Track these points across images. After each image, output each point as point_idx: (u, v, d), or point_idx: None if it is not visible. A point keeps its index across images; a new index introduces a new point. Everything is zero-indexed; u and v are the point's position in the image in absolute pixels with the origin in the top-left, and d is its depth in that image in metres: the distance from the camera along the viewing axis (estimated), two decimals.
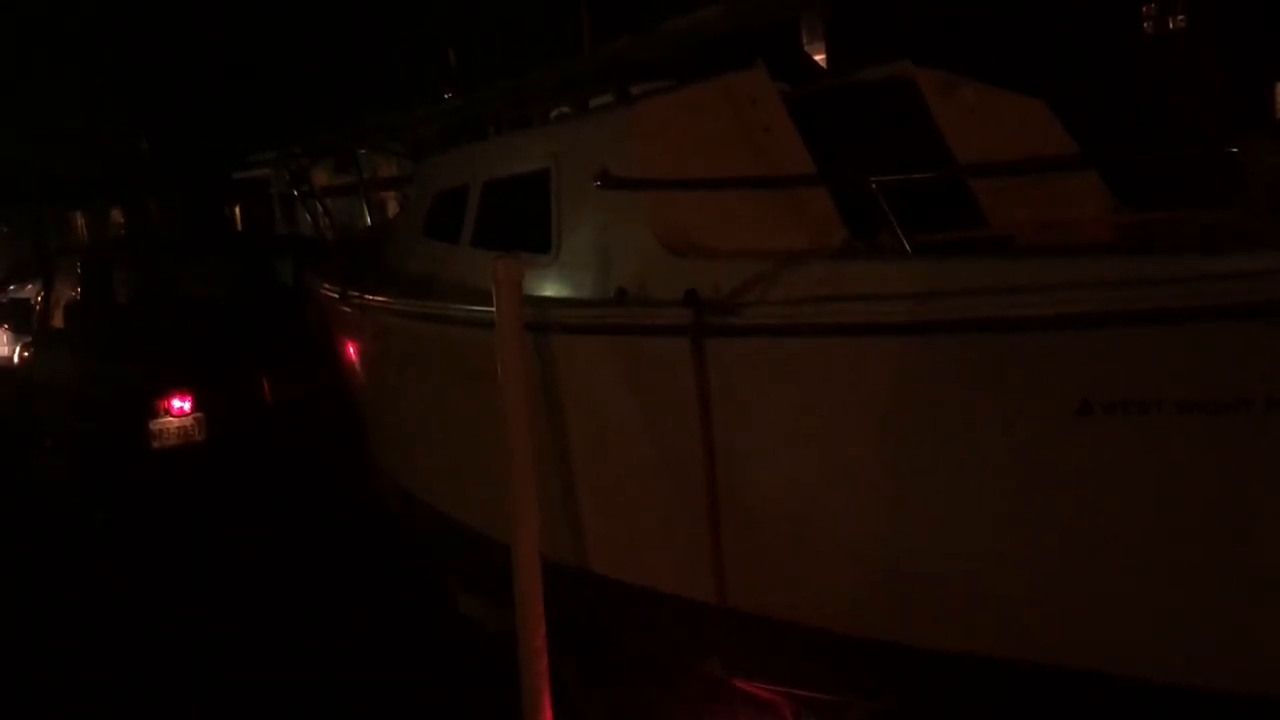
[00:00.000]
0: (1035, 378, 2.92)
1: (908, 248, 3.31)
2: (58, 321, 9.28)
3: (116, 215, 18.77)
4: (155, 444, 7.78)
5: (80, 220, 19.03)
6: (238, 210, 18.31)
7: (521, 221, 4.81)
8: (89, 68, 20.54)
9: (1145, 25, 6.94)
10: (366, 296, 5.71)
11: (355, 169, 8.05)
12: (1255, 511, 2.71)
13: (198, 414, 7.91)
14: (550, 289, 4.49)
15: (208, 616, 6.12)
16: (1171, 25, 6.72)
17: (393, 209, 10.33)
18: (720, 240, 3.99)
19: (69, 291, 9.29)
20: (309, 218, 8.43)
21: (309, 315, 7.81)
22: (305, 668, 5.46)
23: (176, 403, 7.86)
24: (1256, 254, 2.57)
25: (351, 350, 6.58)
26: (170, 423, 7.85)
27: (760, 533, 3.72)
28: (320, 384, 7.96)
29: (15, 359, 10.21)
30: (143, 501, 7.79)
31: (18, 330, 10.05)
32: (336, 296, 6.12)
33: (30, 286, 12.33)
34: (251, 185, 17.03)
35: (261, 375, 8.18)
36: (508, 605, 4.63)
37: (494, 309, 4.01)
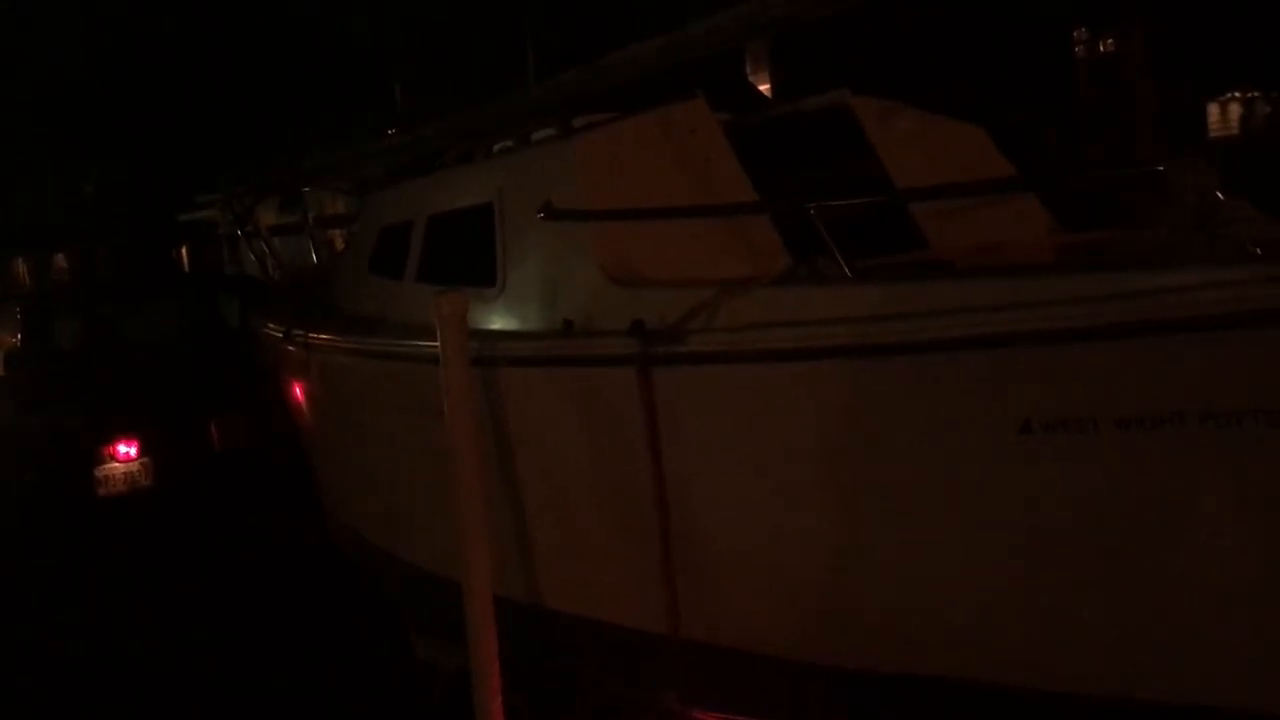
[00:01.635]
0: (977, 399, 2.94)
1: (848, 273, 3.33)
2: None
3: (60, 260, 18.50)
4: (101, 490, 7.66)
5: (21, 266, 18.74)
6: (184, 252, 18.11)
7: (466, 255, 4.80)
8: (33, 113, 20.29)
9: (1076, 50, 7.09)
10: (310, 335, 5.66)
11: (300, 208, 8.00)
12: (1194, 524, 2.74)
13: (144, 459, 7.80)
14: (496, 322, 4.47)
15: (159, 662, 5.99)
16: (1102, 49, 6.86)
17: (340, 247, 10.27)
18: (664, 270, 4.00)
19: (9, 338, 9.13)
20: (254, 258, 8.34)
21: (255, 356, 7.72)
22: (261, 713, 5.35)
23: (122, 448, 7.75)
24: (1182, 269, 2.62)
25: (297, 391, 6.51)
26: (116, 468, 7.74)
27: (712, 562, 3.71)
28: (269, 426, 7.87)
29: None
30: (90, 549, 7.63)
31: None
32: (280, 336, 6.06)
33: None
34: (198, 226, 16.87)
35: (209, 418, 8.08)
36: (462, 644, 4.59)
37: (439, 344, 3.98)
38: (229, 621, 6.50)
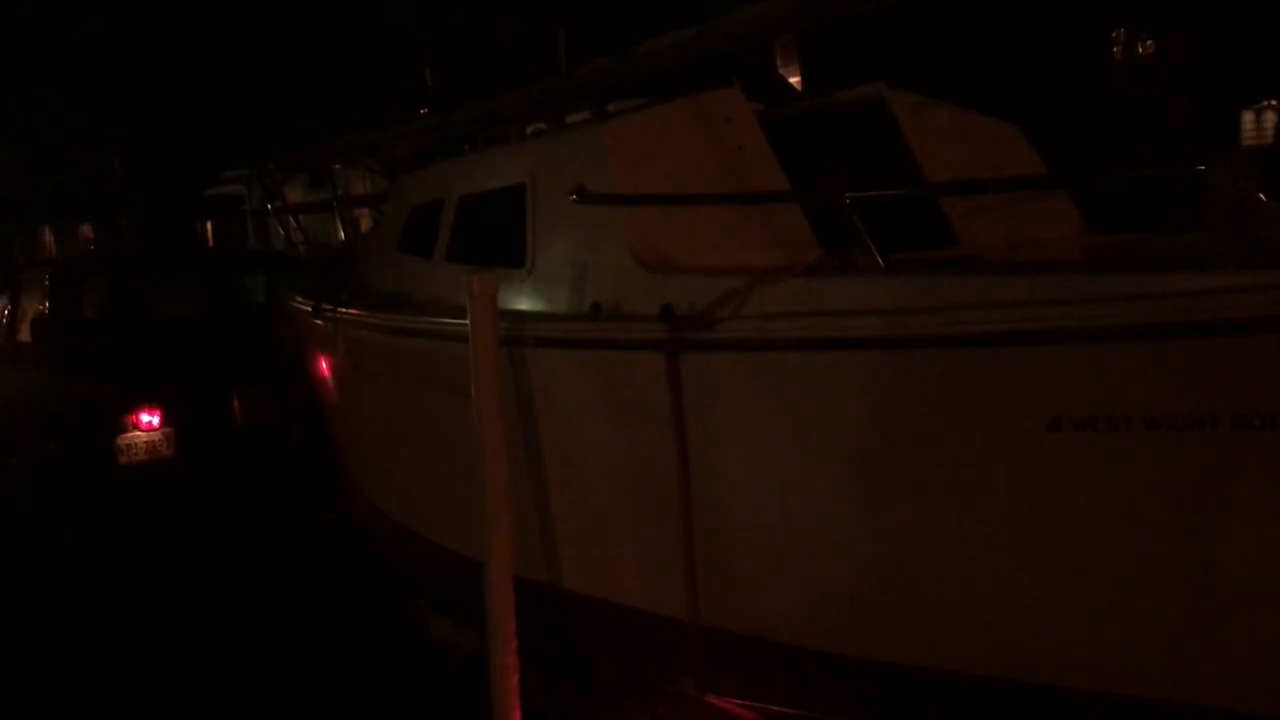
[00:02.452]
0: (1008, 394, 2.93)
1: (882, 264, 3.33)
2: (24, 336, 9.18)
3: (86, 231, 18.60)
4: (123, 459, 7.71)
5: (48, 236, 18.86)
6: (210, 226, 18.15)
7: (496, 236, 4.81)
8: (59, 84, 20.39)
9: (1115, 51, 7.05)
10: (339, 310, 5.69)
11: (330, 185, 8.03)
12: (1223, 527, 2.73)
13: (167, 429, 7.85)
14: (524, 303, 4.48)
15: (177, 638, 6.03)
16: (1141, 50, 6.82)
17: (366, 226, 10.31)
18: (694, 257, 4.00)
19: (36, 306, 9.20)
20: (282, 233, 8.38)
21: (281, 332, 7.76)
22: (275, 690, 5.39)
23: (145, 417, 7.79)
24: (1219, 272, 2.61)
25: (324, 366, 6.54)
26: (139, 438, 7.79)
27: (734, 549, 3.72)
28: (292, 401, 7.92)
29: None
30: (110, 518, 7.69)
31: None
32: (309, 310, 6.09)
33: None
34: (224, 201, 16.91)
35: (232, 391, 8.13)
36: (480, 626, 4.60)
37: (468, 323, 4.00)
38: (247, 596, 6.54)
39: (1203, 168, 2.89)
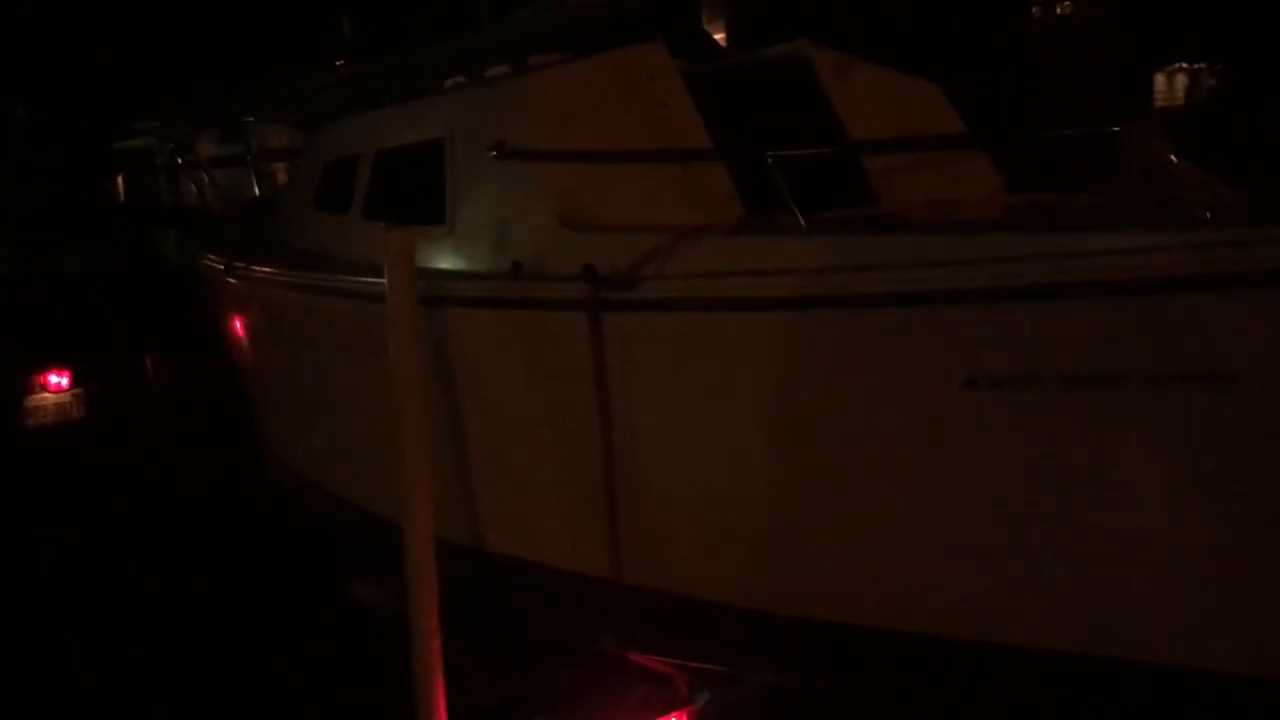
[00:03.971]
0: (924, 352, 2.96)
1: (803, 224, 3.32)
2: None
3: None
4: (30, 421, 7.51)
5: None
6: (120, 181, 17.57)
7: (414, 192, 4.72)
8: None
9: (1034, 11, 7.12)
10: (252, 268, 5.54)
11: (244, 140, 7.79)
12: (1133, 484, 2.79)
13: (76, 390, 7.64)
14: (443, 261, 4.40)
15: (85, 606, 5.90)
16: (1059, 11, 6.90)
17: (283, 181, 10.04)
18: (617, 215, 3.96)
19: None
20: (195, 189, 8.14)
21: (195, 291, 7.57)
22: (193, 654, 5.31)
23: (54, 378, 7.59)
24: (1130, 232, 2.65)
25: (238, 326, 6.38)
26: (47, 399, 7.60)
27: (657, 507, 3.72)
28: (208, 362, 7.73)
29: None
30: (16, 479, 7.47)
31: None
32: (221, 269, 5.92)
33: None
34: (135, 155, 16.36)
35: (145, 352, 7.93)
36: (400, 587, 4.56)
37: (385, 281, 3.92)
38: (160, 560, 6.41)
39: (1117, 129, 2.93)
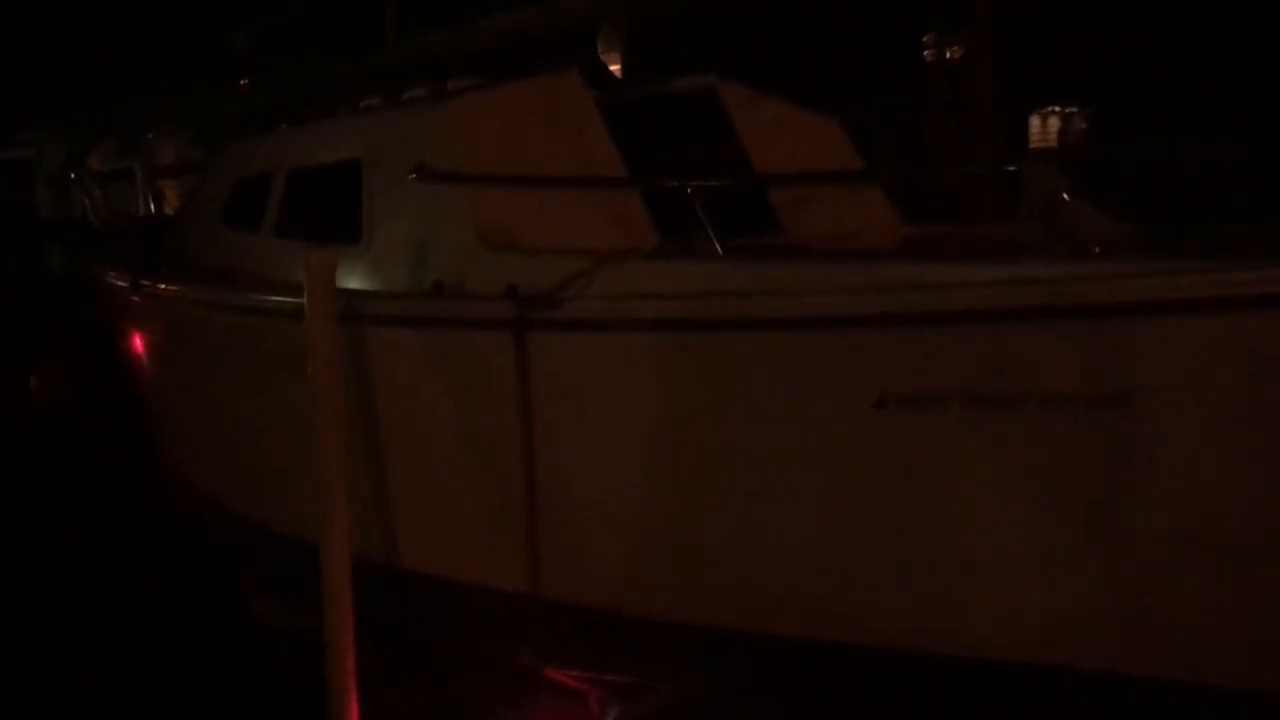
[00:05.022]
0: (838, 373, 3.13)
1: (720, 250, 3.48)
2: None
3: None
4: None
5: None
6: None
7: (329, 211, 4.74)
8: None
9: (925, 54, 7.50)
10: (160, 285, 5.46)
11: (140, 153, 7.66)
12: (1031, 498, 3.00)
13: None
14: (359, 281, 4.43)
15: None
16: (949, 55, 7.29)
17: (169, 197, 9.85)
18: (536, 237, 4.06)
19: None
20: (87, 201, 7.94)
21: (88, 306, 7.37)
22: (88, 684, 5.15)
23: None
24: (1031, 263, 2.87)
25: (140, 343, 6.25)
26: None
27: (576, 523, 3.81)
28: (97, 379, 7.54)
29: None
30: None
31: None
32: (126, 285, 5.81)
33: None
34: (11, 165, 15.80)
35: (28, 370, 7.68)
36: (305, 604, 4.53)
37: (303, 299, 3.94)
38: (51, 584, 6.21)
39: (1014, 168, 3.16)
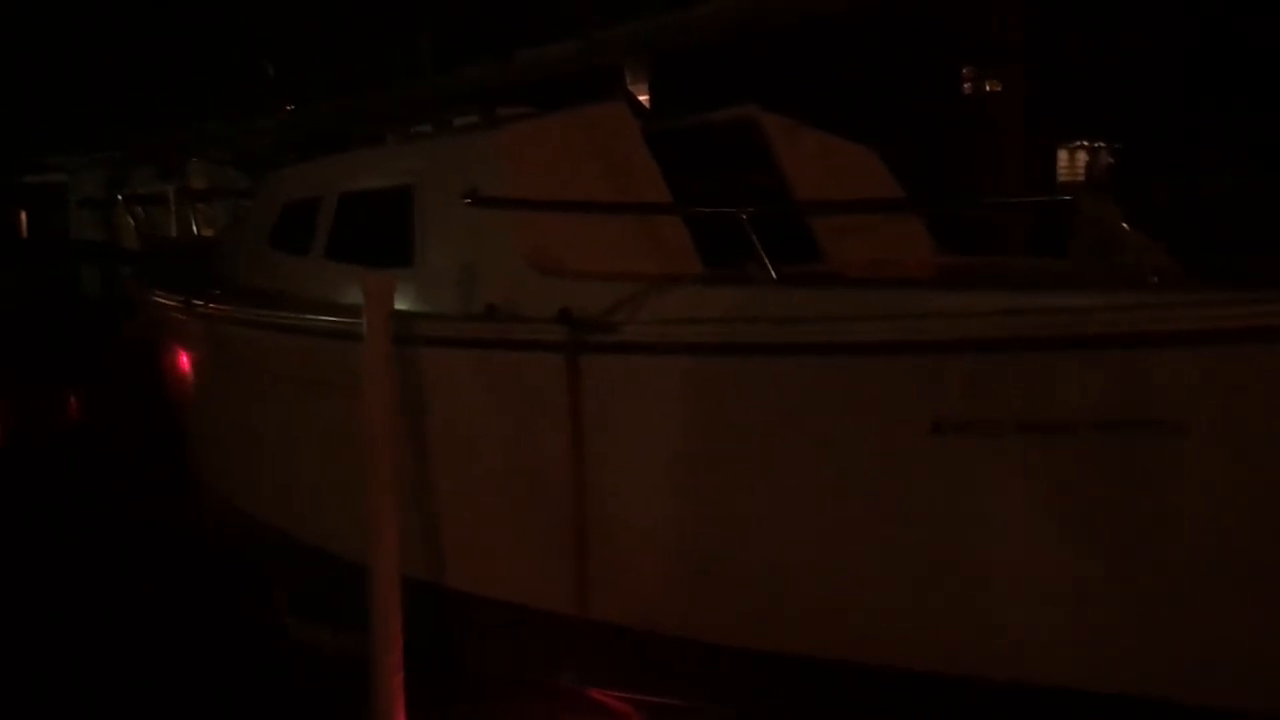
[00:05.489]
0: (895, 399, 3.17)
1: (773, 275, 3.54)
2: None
3: None
4: None
5: None
6: (24, 216, 17.12)
7: (381, 235, 4.82)
8: None
9: (964, 87, 7.59)
10: (213, 306, 5.54)
11: (181, 177, 7.79)
12: (1087, 525, 3.03)
13: None
14: (410, 303, 4.50)
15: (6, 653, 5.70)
16: (988, 88, 7.38)
17: (201, 220, 9.98)
18: (583, 263, 4.13)
19: None
20: (131, 223, 8.07)
21: (127, 326, 7.47)
22: (127, 701, 5.17)
23: None
24: (1084, 292, 2.92)
25: (185, 361, 6.33)
26: None
27: (625, 544, 3.84)
28: (131, 397, 7.63)
29: None
30: None
31: None
32: (176, 306, 5.89)
33: None
34: (44, 190, 16.02)
35: (67, 388, 7.78)
36: (349, 625, 4.56)
37: (357, 321, 4.00)
38: (88, 599, 6.24)
39: (1069, 198, 3.22)
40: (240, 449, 5.85)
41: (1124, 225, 2.99)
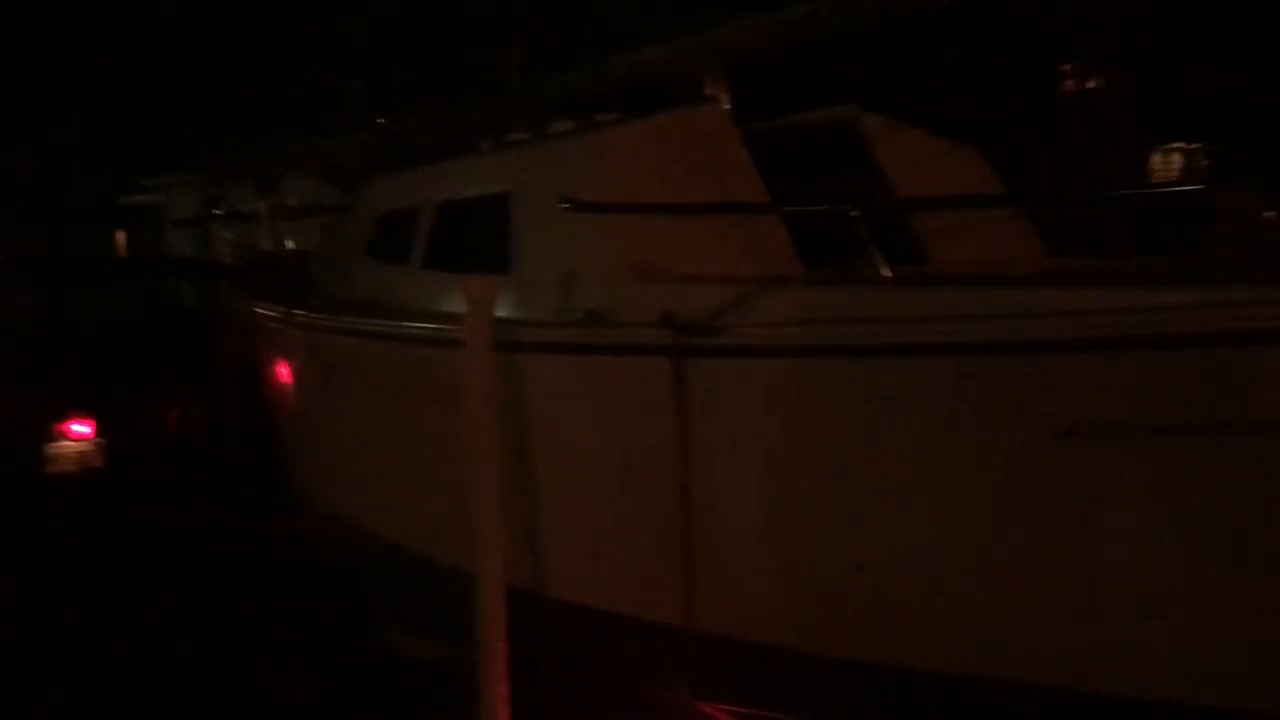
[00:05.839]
0: (1023, 401, 3.03)
1: (888, 274, 3.42)
2: None
3: None
4: (51, 469, 7.44)
5: None
6: (123, 236, 17.62)
7: (479, 243, 4.81)
8: None
9: (1067, 84, 7.38)
10: (315, 317, 5.58)
11: (277, 192, 7.92)
12: (1231, 529, 2.86)
13: (98, 439, 7.58)
14: (508, 310, 4.47)
15: (112, 658, 5.79)
16: (1091, 85, 7.16)
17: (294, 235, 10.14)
18: (683, 266, 4.07)
19: None
20: (228, 239, 8.22)
21: (225, 339, 7.59)
22: (223, 708, 5.22)
23: (75, 427, 7.53)
24: (1231, 286, 2.75)
25: (285, 372, 6.40)
26: (68, 447, 7.52)
27: (733, 554, 3.75)
28: (228, 410, 7.74)
29: None
30: (35, 528, 7.39)
31: None
32: (277, 316, 5.96)
33: None
34: (140, 210, 16.49)
35: (167, 401, 7.91)
36: (448, 634, 4.52)
37: (459, 328, 3.98)
38: (188, 608, 6.33)
39: (1205, 190, 3.05)
40: (340, 458, 5.88)
41: (1268, 215, 2.82)
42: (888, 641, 3.51)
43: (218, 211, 8.40)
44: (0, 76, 19.34)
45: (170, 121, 18.64)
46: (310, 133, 9.28)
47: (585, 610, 4.24)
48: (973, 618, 3.31)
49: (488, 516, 3.99)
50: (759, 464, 3.64)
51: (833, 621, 3.61)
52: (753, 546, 3.71)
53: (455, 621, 4.14)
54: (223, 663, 5.60)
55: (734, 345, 3.58)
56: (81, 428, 7.56)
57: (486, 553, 3.99)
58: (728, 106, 7.41)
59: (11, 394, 7.72)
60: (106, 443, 7.61)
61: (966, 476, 3.22)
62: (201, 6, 18.29)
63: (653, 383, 3.73)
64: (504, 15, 9.82)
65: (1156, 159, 12.91)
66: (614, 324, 3.95)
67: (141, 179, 16.25)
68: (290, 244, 8.44)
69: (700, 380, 3.67)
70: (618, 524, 4.09)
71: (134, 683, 5.43)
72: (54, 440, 7.48)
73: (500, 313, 4.42)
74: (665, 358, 3.69)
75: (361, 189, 6.39)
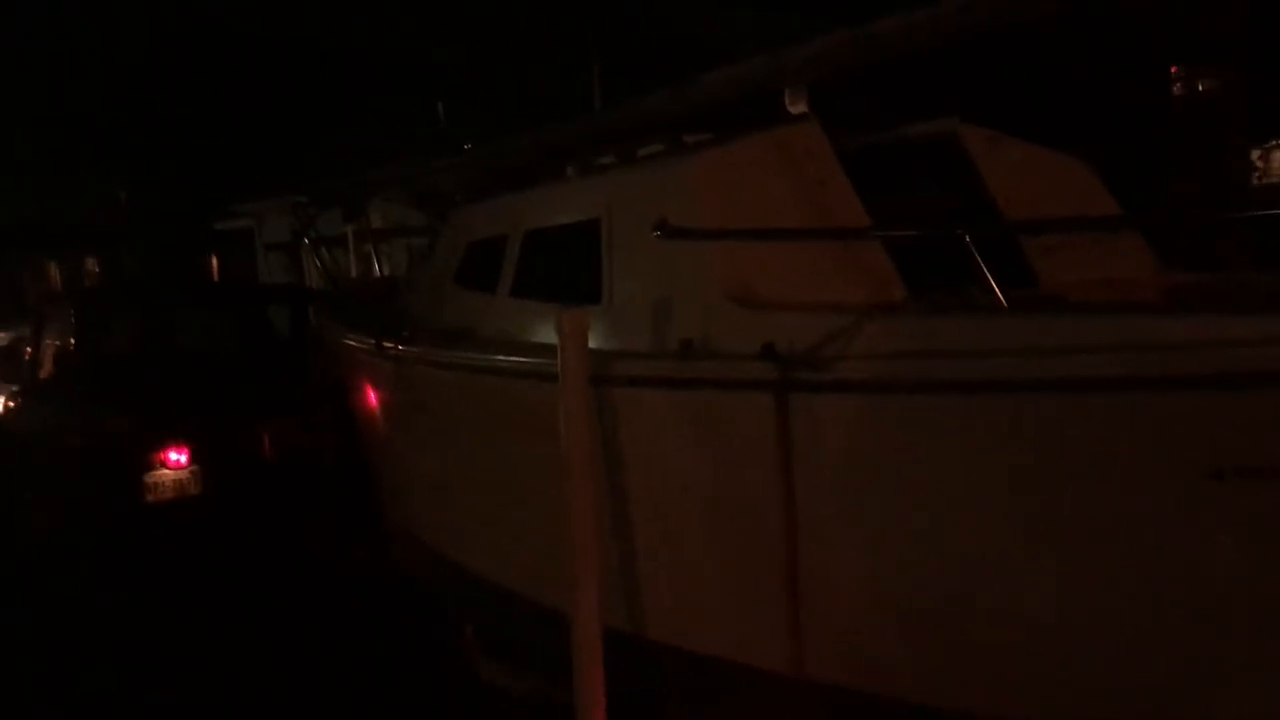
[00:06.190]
0: (1166, 441, 2.80)
1: (1004, 303, 3.21)
2: (47, 370, 9.00)
3: (90, 264, 18.48)
4: (150, 497, 7.52)
5: (53, 270, 18.70)
6: (215, 261, 18.07)
7: (568, 271, 4.69)
8: (66, 113, 20.28)
9: (1175, 87, 7.03)
10: (404, 347, 5.53)
11: (364, 218, 7.93)
12: None
13: (195, 467, 7.66)
14: (600, 340, 4.34)
15: (207, 683, 5.82)
16: (1201, 88, 6.80)
17: (379, 260, 10.19)
18: (782, 293, 3.88)
19: (57, 340, 9.02)
20: (319, 264, 8.27)
21: (316, 366, 7.61)
22: None
23: (173, 455, 7.61)
24: None
25: (376, 401, 6.38)
26: (166, 475, 7.60)
27: (842, 598, 3.56)
28: (322, 437, 7.76)
29: (1, 409, 9.89)
30: (134, 556, 7.50)
31: (6, 379, 9.74)
32: (367, 347, 5.93)
33: (2, 334, 12.03)
34: (233, 235, 16.87)
35: (261, 427, 7.96)
36: (538, 669, 4.41)
37: (551, 360, 3.87)
38: (280, 634, 6.36)
39: None
40: (432, 489, 5.81)
41: None
42: (1009, 695, 3.29)
43: (306, 237, 8.43)
44: (97, 106, 20.01)
45: (262, 148, 19.06)
46: (397, 158, 9.33)
47: (685, 654, 4.08)
48: (1109, 670, 3.08)
49: (583, 555, 3.88)
50: (867, 504, 3.45)
51: (953, 672, 3.39)
52: (863, 591, 3.52)
53: (549, 657, 4.03)
54: (307, 691, 5.60)
55: (842, 380, 3.39)
56: (179, 455, 7.64)
57: (583, 591, 3.88)
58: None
59: (113, 422, 7.84)
60: (202, 470, 7.68)
61: (1098, 523, 3.00)
62: (296, 37, 18.69)
63: (754, 418, 3.57)
64: (583, 39, 9.79)
65: (1254, 157, 12.36)
66: (712, 356, 3.79)
67: (234, 204, 16.62)
68: (378, 268, 8.45)
69: (804, 416, 3.49)
70: (719, 565, 3.93)
71: (219, 713, 5.46)
72: (153, 469, 7.56)
73: (593, 343, 4.31)
74: (768, 392, 3.53)
75: (451, 217, 6.33)
